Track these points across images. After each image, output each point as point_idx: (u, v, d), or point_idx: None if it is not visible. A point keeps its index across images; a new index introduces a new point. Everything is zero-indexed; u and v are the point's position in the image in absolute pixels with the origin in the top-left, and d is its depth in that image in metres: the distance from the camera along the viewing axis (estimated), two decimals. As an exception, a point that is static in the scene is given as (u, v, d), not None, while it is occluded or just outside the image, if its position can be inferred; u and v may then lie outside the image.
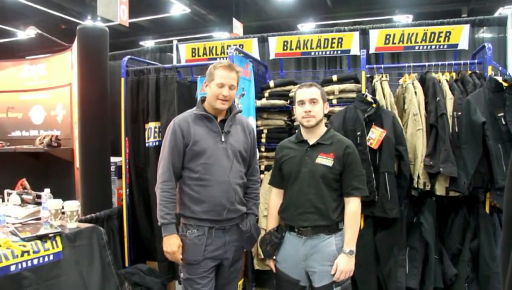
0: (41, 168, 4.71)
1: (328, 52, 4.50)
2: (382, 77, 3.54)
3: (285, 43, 4.57)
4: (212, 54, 4.87)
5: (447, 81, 3.40)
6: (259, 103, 3.97)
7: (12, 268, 2.24)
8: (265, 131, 4.08)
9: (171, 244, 2.39)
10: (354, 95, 3.70)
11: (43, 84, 4.90)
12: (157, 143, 3.68)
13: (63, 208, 2.76)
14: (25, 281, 2.27)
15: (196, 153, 2.41)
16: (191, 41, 5.22)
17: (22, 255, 2.29)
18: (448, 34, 4.11)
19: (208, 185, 2.41)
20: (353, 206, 2.40)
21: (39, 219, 2.84)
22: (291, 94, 3.95)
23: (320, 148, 2.44)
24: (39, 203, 3.02)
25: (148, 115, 3.75)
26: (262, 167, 4.08)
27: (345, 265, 2.35)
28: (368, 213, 3.30)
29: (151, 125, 3.72)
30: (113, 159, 4.06)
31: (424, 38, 4.18)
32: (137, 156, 3.86)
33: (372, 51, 4.34)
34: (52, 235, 2.49)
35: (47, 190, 2.75)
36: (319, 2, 11.12)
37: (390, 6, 11.10)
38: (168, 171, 2.41)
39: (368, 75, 3.64)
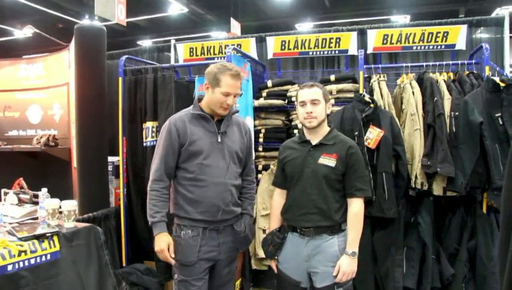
0: (38, 168, 4.70)
1: (326, 52, 4.50)
2: (380, 77, 3.54)
3: (283, 43, 4.57)
4: (210, 54, 4.87)
5: (444, 81, 3.40)
6: (257, 102, 3.97)
7: (10, 268, 2.23)
8: (263, 131, 4.08)
9: (160, 243, 2.34)
10: (351, 95, 3.70)
11: (40, 84, 4.89)
12: (154, 143, 3.66)
13: (60, 207, 2.75)
14: (22, 281, 2.27)
15: (192, 153, 2.38)
16: (188, 41, 5.21)
17: (19, 255, 2.28)
18: (445, 35, 4.12)
19: (203, 186, 2.38)
20: (356, 207, 2.39)
21: (36, 218, 2.83)
22: (289, 94, 3.95)
23: (323, 149, 2.42)
24: (36, 203, 3.01)
25: (146, 114, 3.75)
26: (260, 167, 4.08)
27: (347, 267, 2.33)
28: (365, 213, 3.27)
29: (149, 124, 3.72)
30: (110, 158, 4.05)
31: (421, 38, 4.18)
32: (134, 156, 3.85)
33: (370, 51, 4.34)
34: (49, 234, 2.48)
35: (44, 190, 2.74)
36: (317, 2, 11.13)
37: (388, 7, 11.11)
38: (160, 171, 2.39)
39: (366, 75, 3.64)
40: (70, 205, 2.74)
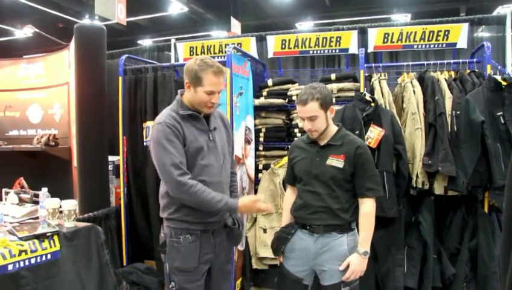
0: (39, 167, 4.70)
1: (326, 51, 4.49)
2: (381, 75, 3.54)
3: (284, 42, 4.56)
4: (210, 53, 4.86)
5: (445, 80, 3.39)
6: (257, 101, 3.96)
7: (10, 267, 2.23)
8: (263, 130, 4.07)
9: (249, 206, 2.34)
10: (352, 94, 3.69)
11: (40, 83, 4.89)
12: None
13: (60, 207, 2.74)
14: (22, 281, 2.26)
15: (190, 154, 2.27)
16: (189, 40, 5.20)
17: (20, 255, 2.28)
18: (447, 33, 4.10)
19: None
20: (367, 207, 2.37)
21: (37, 218, 2.83)
22: (289, 93, 3.94)
23: (331, 150, 2.39)
24: (37, 203, 3.00)
25: (146, 114, 3.73)
26: (260, 166, 4.08)
27: (357, 265, 2.31)
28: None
29: (149, 124, 3.70)
30: (110, 158, 4.05)
31: (422, 37, 4.17)
32: (135, 155, 3.84)
33: (370, 49, 4.33)
34: (49, 234, 2.48)
35: (44, 189, 2.73)
36: (317, 1, 11.11)
37: (388, 5, 11.09)
38: (181, 165, 2.21)
39: (367, 74, 3.63)
40: (71, 205, 2.74)
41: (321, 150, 2.42)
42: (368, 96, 3.36)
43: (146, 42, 13.01)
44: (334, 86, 3.79)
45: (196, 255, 2.31)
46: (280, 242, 2.50)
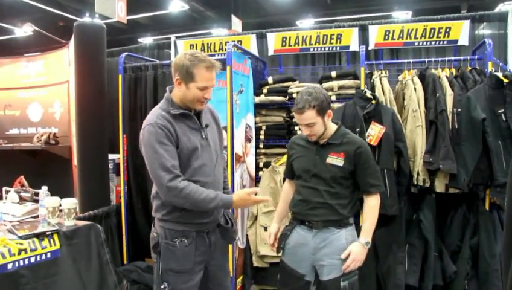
0: (39, 166, 4.70)
1: (327, 48, 4.46)
2: (381, 73, 3.52)
3: (284, 39, 4.54)
4: (210, 50, 4.84)
5: (446, 77, 3.37)
6: (257, 99, 3.95)
7: (10, 266, 2.23)
8: (263, 128, 4.05)
9: (242, 200, 2.26)
10: (353, 91, 3.68)
11: (40, 82, 4.89)
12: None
13: (60, 205, 2.74)
14: (22, 280, 2.26)
15: (184, 155, 2.20)
16: (189, 38, 5.19)
17: (19, 254, 2.28)
18: (448, 30, 4.08)
19: None
20: (372, 201, 2.43)
21: (37, 216, 2.83)
22: (290, 90, 3.93)
23: (330, 148, 2.42)
24: (37, 201, 2.99)
25: (146, 111, 3.69)
26: (261, 164, 4.07)
27: (358, 254, 2.35)
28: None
29: (149, 122, 3.69)
30: (111, 156, 4.05)
31: (423, 34, 4.14)
32: (135, 153, 3.84)
33: (371, 47, 4.31)
34: (49, 233, 2.47)
35: (44, 188, 2.73)
36: (317, -2, 11.11)
37: (389, 3, 11.07)
38: (172, 168, 2.12)
39: (367, 72, 3.61)
40: (71, 203, 2.73)
41: (321, 149, 2.44)
42: (368, 94, 3.35)
43: (146, 40, 13.01)
44: (334, 84, 3.77)
45: (192, 258, 2.27)
46: (280, 239, 2.54)
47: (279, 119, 4.05)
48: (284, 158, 3.83)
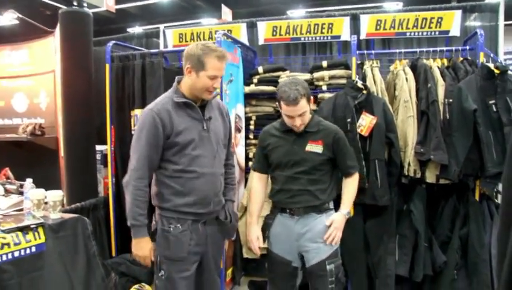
0: (25, 158, 4.61)
1: (318, 38, 4.42)
2: (373, 63, 3.49)
3: (275, 29, 4.48)
4: (200, 40, 4.77)
5: (438, 67, 3.35)
6: (247, 89, 3.90)
7: (-8, 261, 2.17)
8: (253, 118, 4.01)
9: (143, 248, 2.26)
10: (344, 81, 3.64)
11: (25, 71, 4.79)
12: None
13: (45, 198, 2.67)
14: (5, 275, 2.19)
15: (180, 145, 2.23)
16: (178, 27, 5.11)
17: (2, 248, 2.21)
18: (440, 20, 4.05)
19: (193, 178, 2.25)
20: (352, 179, 2.58)
21: (22, 209, 2.76)
22: (280, 80, 3.88)
23: (308, 136, 2.47)
24: (23, 193, 2.93)
25: (134, 102, 3.67)
26: (251, 155, 4.02)
27: (340, 222, 2.47)
28: (357, 201, 3.26)
29: (137, 112, 3.62)
30: (98, 147, 3.98)
31: (415, 24, 4.11)
32: (123, 144, 3.76)
33: (362, 36, 4.27)
34: (34, 226, 2.40)
35: (29, 180, 2.66)
36: (309, -13, 11.01)
37: (380, -7, 11.00)
38: (144, 168, 2.20)
39: (359, 61, 3.58)
40: (56, 195, 2.66)
41: (298, 138, 2.48)
42: (359, 84, 3.32)
43: (136, 30, 12.83)
44: (325, 74, 3.74)
45: (186, 245, 2.28)
46: (263, 228, 2.60)
47: (270, 109, 4.00)
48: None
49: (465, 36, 3.96)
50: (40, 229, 2.43)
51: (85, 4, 3.68)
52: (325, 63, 3.84)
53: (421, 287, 3.36)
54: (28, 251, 2.33)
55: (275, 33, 4.51)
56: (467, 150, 3.11)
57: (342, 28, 4.32)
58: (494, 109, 3.12)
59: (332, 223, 2.45)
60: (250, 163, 3.93)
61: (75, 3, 3.62)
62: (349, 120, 3.20)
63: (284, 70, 4.05)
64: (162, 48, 5.00)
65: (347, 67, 3.79)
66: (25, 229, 2.36)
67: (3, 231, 2.30)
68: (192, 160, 2.24)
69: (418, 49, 3.59)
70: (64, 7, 3.69)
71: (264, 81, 3.95)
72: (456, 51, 3.51)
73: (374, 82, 3.40)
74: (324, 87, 3.75)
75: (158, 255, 2.32)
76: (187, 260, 2.30)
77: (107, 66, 3.70)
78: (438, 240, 3.33)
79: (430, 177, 3.25)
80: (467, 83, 3.19)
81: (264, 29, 4.54)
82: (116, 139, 3.80)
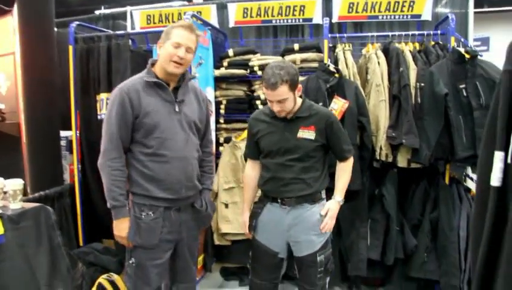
0: (-16, 145, 4.40)
1: (289, 21, 4.35)
2: (345, 46, 3.46)
3: (245, 10, 4.38)
4: (169, 21, 4.62)
5: (410, 51, 3.35)
6: (217, 72, 3.81)
7: None
8: (224, 102, 3.93)
9: (124, 229, 2.22)
10: (316, 64, 3.59)
11: (-18, 53, 4.52)
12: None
13: (4, 187, 2.53)
14: (-39, 269, 2.08)
15: (148, 126, 2.18)
16: (145, 8, 4.94)
17: (-44, 241, 2.09)
18: (411, 4, 4.04)
19: (163, 162, 2.21)
20: (346, 163, 2.50)
21: (-21, 200, 2.62)
22: (251, 63, 3.82)
23: (300, 122, 2.36)
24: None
25: (100, 85, 3.51)
26: (221, 140, 3.96)
27: (335, 211, 2.43)
28: (329, 185, 3.25)
29: (103, 96, 3.48)
30: (63, 133, 3.82)
31: (387, 7, 4.09)
32: (89, 130, 3.63)
33: (335, 19, 4.23)
34: (-9, 217, 2.28)
35: (-14, 168, 2.52)
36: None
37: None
38: (117, 148, 2.17)
39: (331, 45, 3.55)
40: (16, 184, 2.52)
41: (289, 124, 2.37)
42: (331, 67, 3.28)
43: (103, 12, 12.42)
44: (297, 57, 3.68)
45: (157, 233, 2.24)
46: (251, 217, 2.51)
47: (240, 93, 3.93)
48: (246, 133, 3.73)
49: (436, 21, 3.96)
50: (-1, 221, 2.31)
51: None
52: (296, 46, 3.77)
53: (392, 270, 3.39)
54: (-15, 244, 2.21)
55: (245, 15, 4.41)
56: (438, 134, 3.12)
57: (314, 11, 4.26)
58: (465, 94, 3.14)
59: (328, 212, 2.40)
60: (221, 148, 3.88)
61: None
62: (321, 104, 3.14)
63: (254, 53, 3.97)
64: (129, 29, 4.83)
65: (319, 50, 3.74)
66: (-20, 221, 2.23)
67: (-43, 224, 2.17)
68: (162, 143, 2.20)
69: (390, 33, 3.57)
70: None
71: (235, 64, 3.86)
72: (428, 35, 3.50)
73: (346, 66, 3.37)
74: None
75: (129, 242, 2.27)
76: (159, 247, 2.27)
77: (70, 47, 3.54)
78: (409, 223, 3.35)
79: (402, 161, 3.26)
80: (438, 67, 3.20)
81: (235, 11, 4.44)
82: (82, 124, 3.65)
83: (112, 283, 3.12)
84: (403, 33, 3.47)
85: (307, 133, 2.34)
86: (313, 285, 2.43)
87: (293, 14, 4.30)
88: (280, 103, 2.26)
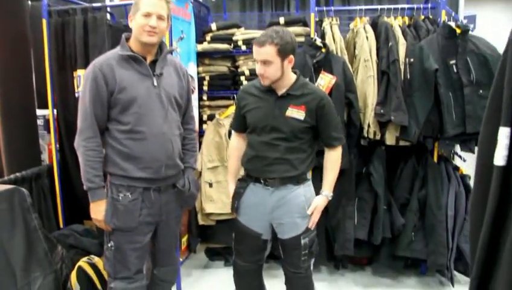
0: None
1: (275, -7, 4.22)
2: (332, 20, 3.35)
3: (229, -17, 4.23)
4: (149, -6, 4.43)
5: (399, 26, 3.25)
6: (200, 47, 3.66)
7: None
8: (207, 78, 3.79)
9: (101, 211, 2.15)
10: (302, 39, 3.46)
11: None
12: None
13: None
14: None
15: (124, 102, 2.09)
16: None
17: None
18: (401, -24, 3.93)
19: (141, 139, 2.12)
20: (335, 154, 2.37)
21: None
22: (234, 38, 3.68)
23: (290, 100, 2.25)
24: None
25: (76, 61, 3.35)
26: (205, 117, 3.84)
27: (322, 207, 2.37)
28: (315, 164, 3.19)
29: (80, 73, 3.32)
30: (40, 112, 3.66)
31: (376, -20, 3.98)
32: (66, 108, 3.48)
33: (322, -8, 4.11)
34: (-40, 201, 2.17)
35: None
36: None
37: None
38: (92, 126, 2.09)
39: (317, 19, 3.43)
40: (-13, 166, 2.41)
41: (279, 100, 2.26)
42: (318, 42, 3.18)
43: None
44: (283, 31, 3.55)
45: (136, 215, 2.17)
46: (233, 198, 2.42)
47: (224, 69, 3.80)
48: (230, 110, 3.63)
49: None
50: (-32, 205, 2.19)
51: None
52: (282, 20, 3.64)
53: (379, 249, 3.36)
54: (-47, 230, 2.10)
55: (229, -13, 4.26)
56: (428, 110, 3.05)
57: (301, -17, 4.13)
58: (455, 70, 3.07)
59: (315, 210, 2.33)
60: (204, 126, 3.77)
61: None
62: (307, 79, 3.06)
63: (238, 27, 3.84)
64: (107, 2, 4.63)
65: (305, 24, 3.63)
66: None
67: None
68: (139, 119, 2.11)
69: (379, 7, 3.47)
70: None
71: (218, 39, 3.72)
72: (418, 9, 3.41)
73: (333, 40, 3.28)
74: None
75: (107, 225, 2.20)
76: (138, 230, 2.19)
77: (44, 21, 3.35)
78: (397, 202, 3.31)
79: (390, 139, 3.20)
80: (428, 42, 3.11)
81: (218, -17, 4.28)
82: (59, 102, 3.50)
83: (93, 265, 3.03)
84: (392, 7, 3.37)
85: (296, 113, 2.23)
86: (297, 267, 2.39)
87: (279, -14, 4.17)
88: (264, 64, 2.16)
